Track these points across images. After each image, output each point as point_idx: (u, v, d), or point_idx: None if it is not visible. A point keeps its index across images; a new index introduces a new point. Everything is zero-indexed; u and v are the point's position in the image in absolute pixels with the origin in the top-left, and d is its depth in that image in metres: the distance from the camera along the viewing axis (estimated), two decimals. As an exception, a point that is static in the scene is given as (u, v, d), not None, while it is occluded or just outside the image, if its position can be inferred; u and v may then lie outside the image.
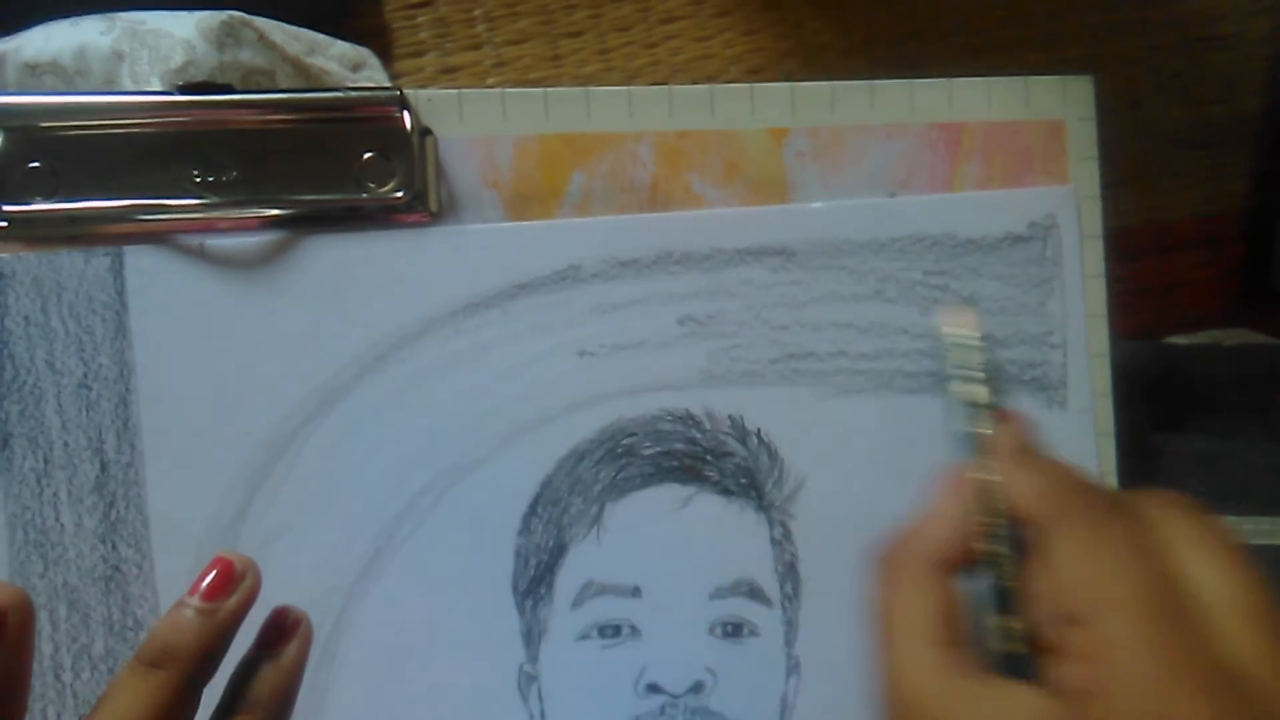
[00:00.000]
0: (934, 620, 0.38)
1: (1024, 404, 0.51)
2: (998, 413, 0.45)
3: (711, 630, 0.50)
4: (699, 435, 0.50)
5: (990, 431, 0.44)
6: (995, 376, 0.48)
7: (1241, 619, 0.34)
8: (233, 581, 0.39)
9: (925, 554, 0.40)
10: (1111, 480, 0.52)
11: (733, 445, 0.50)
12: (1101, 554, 0.36)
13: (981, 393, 0.46)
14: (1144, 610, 0.34)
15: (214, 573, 0.39)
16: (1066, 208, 0.52)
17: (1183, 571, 0.36)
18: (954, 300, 0.51)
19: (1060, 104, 0.52)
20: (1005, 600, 0.41)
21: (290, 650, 0.40)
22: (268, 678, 0.40)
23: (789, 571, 0.50)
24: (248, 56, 0.52)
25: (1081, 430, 0.52)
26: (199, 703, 0.38)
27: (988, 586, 0.42)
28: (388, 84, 0.58)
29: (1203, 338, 0.66)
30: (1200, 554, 0.36)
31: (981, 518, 0.41)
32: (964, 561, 0.41)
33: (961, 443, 0.46)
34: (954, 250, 0.51)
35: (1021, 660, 0.40)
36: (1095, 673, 0.34)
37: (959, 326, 0.48)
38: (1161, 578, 0.35)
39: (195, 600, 0.38)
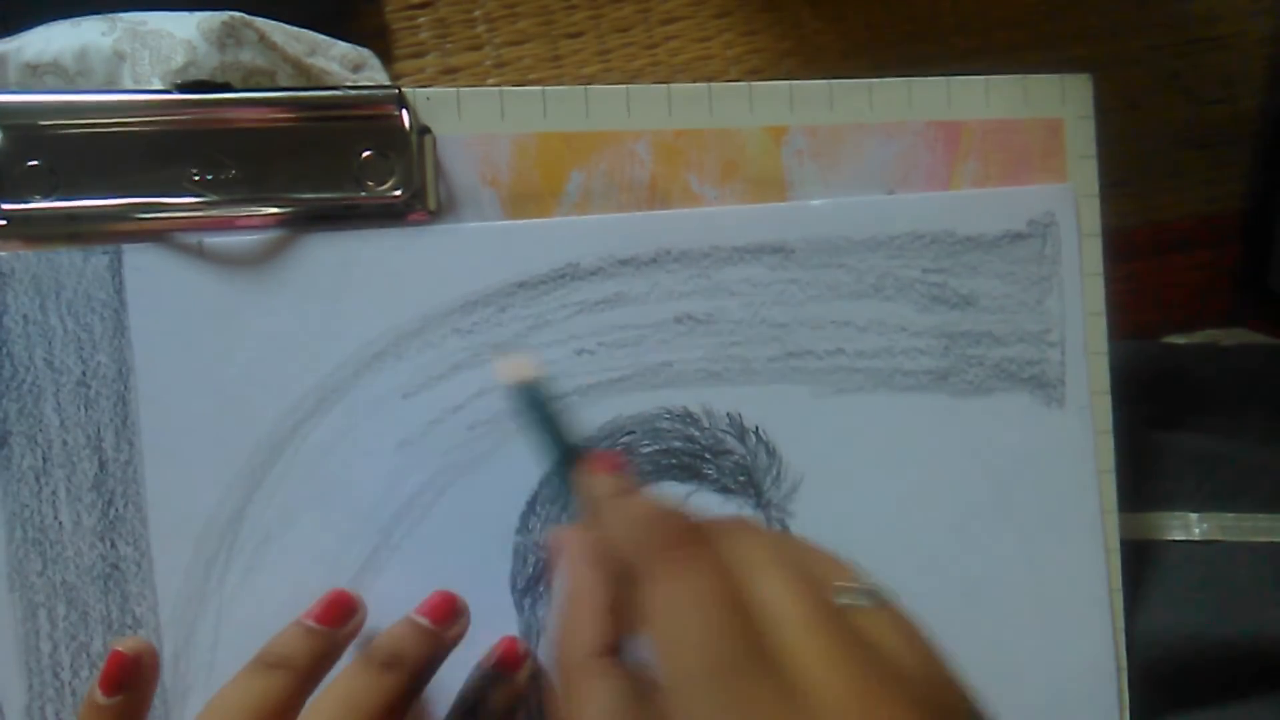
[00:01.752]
0: (621, 709, 0.36)
1: (1022, 401, 0.51)
2: (584, 459, 0.43)
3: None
4: (697, 433, 0.50)
5: (580, 474, 0.42)
6: (565, 415, 0.45)
7: (799, 628, 0.33)
8: (454, 612, 0.46)
9: (587, 646, 0.38)
10: (1110, 478, 0.52)
11: (731, 443, 0.50)
12: (671, 609, 0.34)
13: (563, 438, 0.44)
14: (712, 666, 0.32)
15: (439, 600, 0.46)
16: (1065, 206, 0.52)
17: (754, 593, 0.35)
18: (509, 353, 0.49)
19: (1059, 102, 0.52)
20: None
21: (522, 674, 0.47)
22: (500, 696, 0.46)
23: None
24: (249, 57, 0.52)
25: (1079, 428, 0.52)
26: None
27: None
28: (388, 84, 0.58)
29: (1201, 337, 0.66)
30: (766, 574, 0.35)
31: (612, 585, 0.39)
32: (623, 630, 0.39)
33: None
34: (952, 248, 0.51)
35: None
36: None
37: (517, 372, 0.46)
38: (733, 613, 0.34)
39: (424, 620, 0.45)
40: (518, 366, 0.46)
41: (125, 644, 0.41)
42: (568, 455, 0.43)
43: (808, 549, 0.38)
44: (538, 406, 0.44)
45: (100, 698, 0.40)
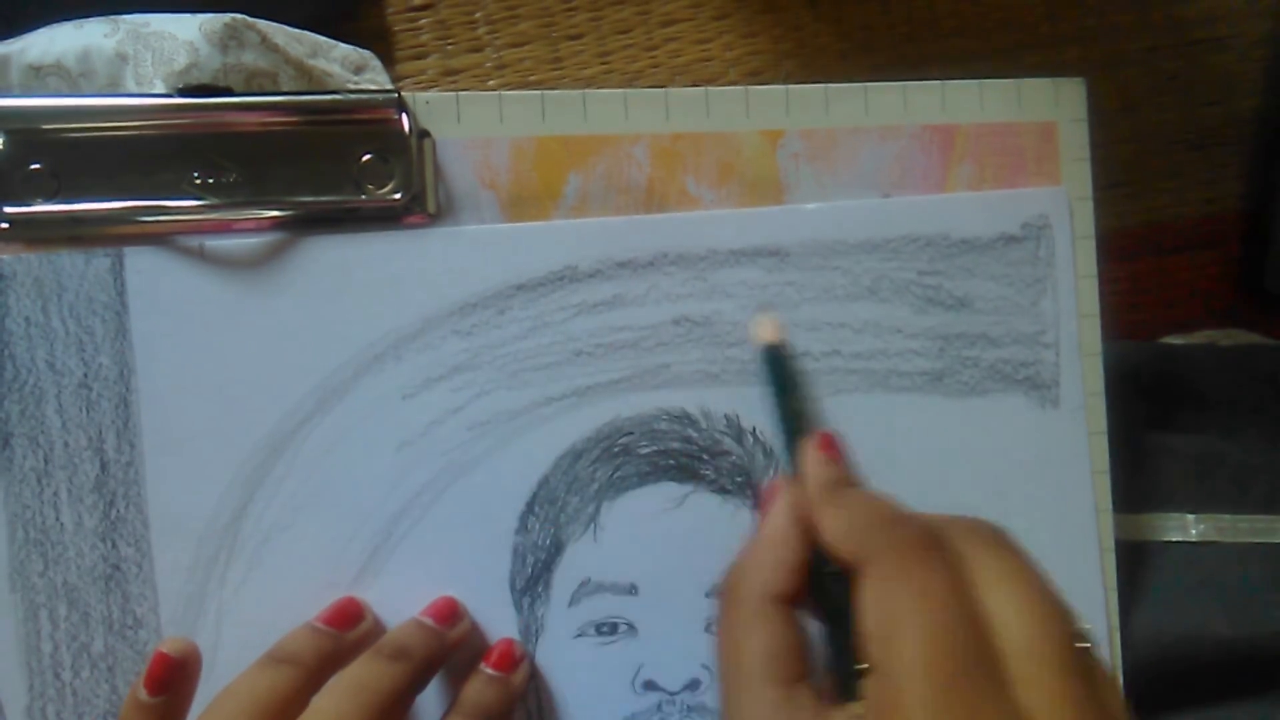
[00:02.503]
0: (771, 658, 0.38)
1: (1017, 403, 0.52)
2: (812, 434, 0.45)
3: (708, 628, 0.50)
4: (695, 434, 0.50)
5: (806, 449, 0.44)
6: (804, 385, 0.48)
7: (1039, 663, 0.33)
8: (456, 615, 0.48)
9: (758, 588, 0.40)
10: (1104, 479, 0.52)
11: (729, 444, 0.50)
12: (899, 602, 0.35)
13: (797, 405, 0.47)
14: (934, 665, 0.33)
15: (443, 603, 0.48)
16: (1059, 208, 0.52)
17: (986, 611, 0.35)
18: (767, 310, 0.50)
19: (1052, 105, 0.52)
20: (839, 629, 0.40)
21: (519, 675, 0.48)
22: (498, 696, 0.47)
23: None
24: (251, 59, 0.52)
25: (1074, 429, 0.52)
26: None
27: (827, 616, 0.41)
28: (389, 86, 0.58)
29: (1199, 338, 0.66)
30: (1003, 593, 0.35)
31: (810, 550, 0.41)
32: (799, 590, 0.40)
33: (789, 459, 0.46)
34: (947, 250, 0.51)
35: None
36: None
37: (772, 334, 0.48)
38: (962, 623, 0.34)
39: (428, 620, 0.47)
40: (773, 328, 0.49)
41: (170, 645, 0.42)
42: (797, 424, 0.46)
43: (1040, 572, 0.38)
44: (781, 370, 0.48)
45: (144, 696, 0.41)
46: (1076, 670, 0.34)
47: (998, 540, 0.38)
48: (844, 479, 0.43)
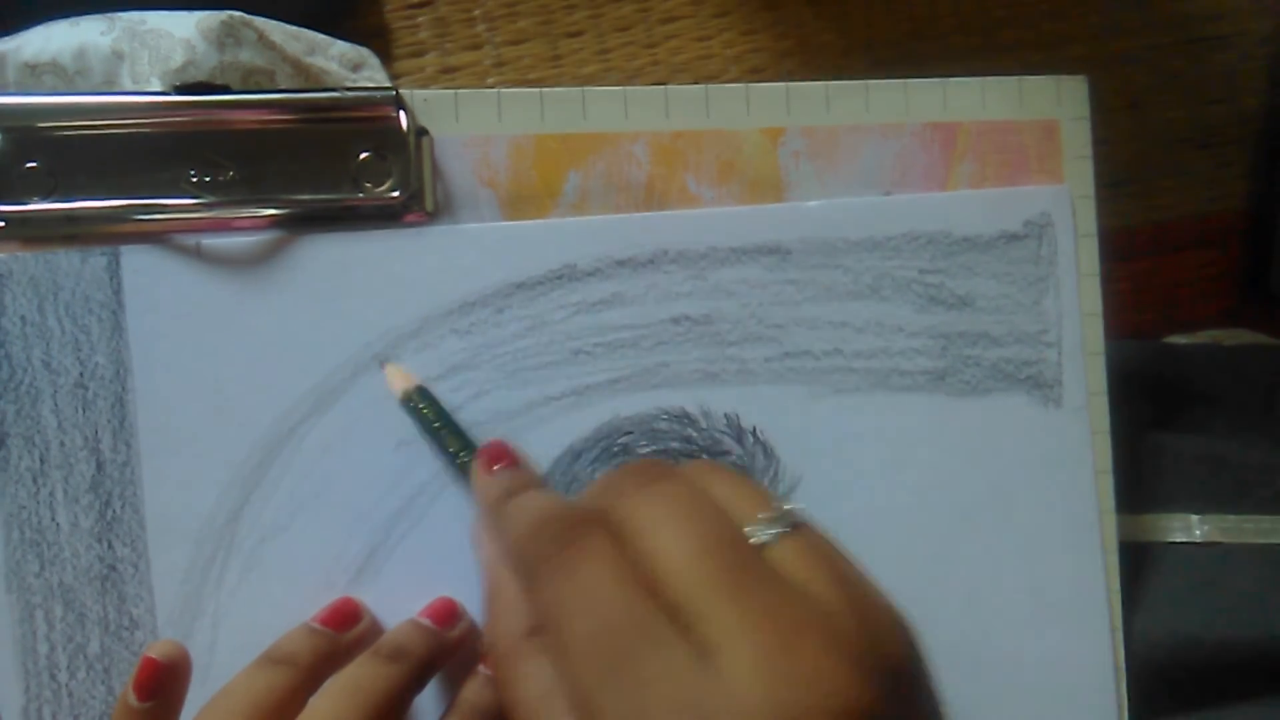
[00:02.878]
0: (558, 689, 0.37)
1: (1019, 402, 0.51)
2: (475, 457, 0.46)
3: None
4: (695, 434, 0.50)
5: (472, 472, 0.45)
6: (451, 418, 0.48)
7: (703, 591, 0.33)
8: (455, 616, 0.47)
9: (513, 631, 0.39)
10: (1107, 479, 0.52)
11: (728, 444, 0.50)
12: (564, 619, 0.34)
13: (461, 438, 0.47)
14: (595, 653, 0.33)
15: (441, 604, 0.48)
16: (1062, 206, 0.52)
17: (655, 564, 0.34)
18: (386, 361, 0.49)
19: (1054, 104, 0.52)
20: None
21: None
22: (491, 694, 0.45)
23: None
24: (248, 57, 0.52)
25: (1076, 428, 0.52)
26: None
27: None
28: (388, 84, 0.58)
29: (1202, 337, 0.66)
30: (664, 535, 0.35)
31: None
32: None
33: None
34: (949, 248, 0.51)
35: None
36: None
37: (404, 382, 0.48)
38: (635, 595, 0.33)
39: (427, 621, 0.46)
40: (401, 376, 0.48)
41: (158, 649, 0.42)
42: (461, 457, 0.46)
43: (720, 482, 0.38)
44: (427, 413, 0.47)
45: (133, 701, 0.41)
46: (744, 573, 0.33)
47: (658, 476, 0.38)
48: (509, 489, 0.43)
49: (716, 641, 0.31)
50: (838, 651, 0.31)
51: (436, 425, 0.47)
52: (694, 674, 0.31)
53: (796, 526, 0.36)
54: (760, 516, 0.36)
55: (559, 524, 0.38)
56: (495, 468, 0.45)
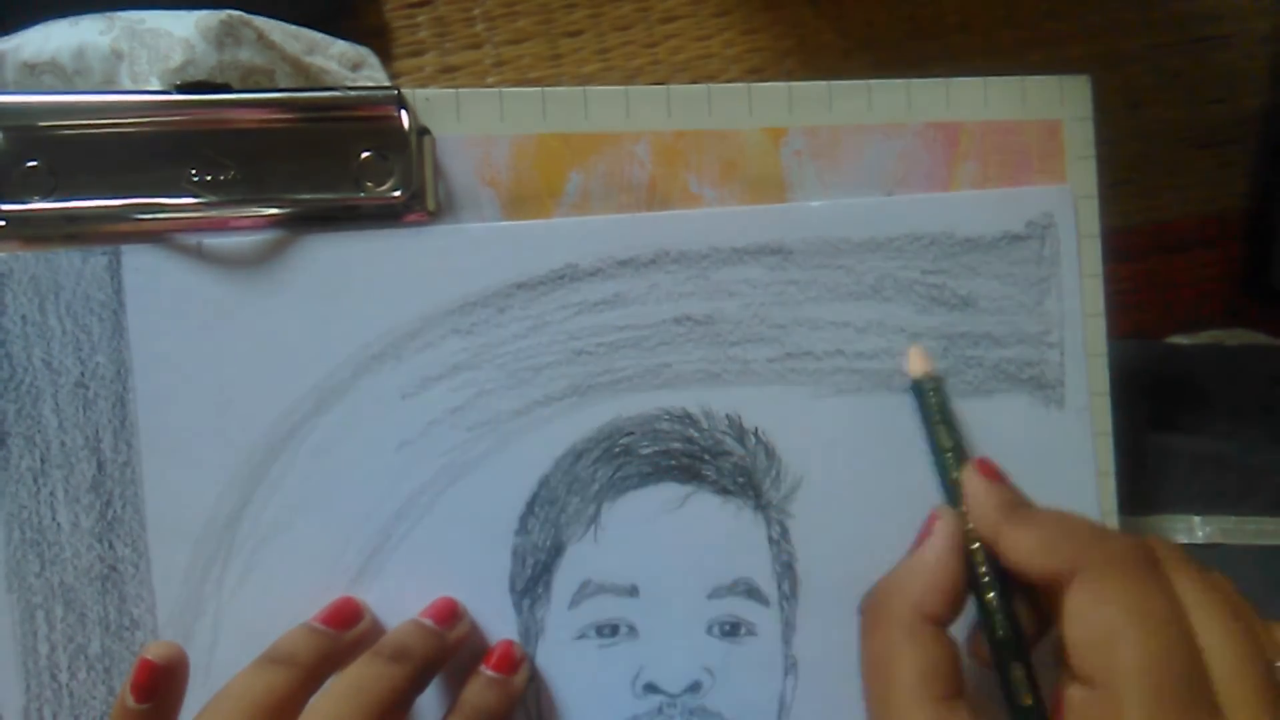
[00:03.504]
0: (928, 675, 0.38)
1: (1021, 403, 0.51)
2: (970, 462, 0.46)
3: (709, 630, 0.50)
4: (696, 434, 0.50)
5: (970, 476, 0.45)
6: (956, 416, 0.49)
7: (1244, 687, 0.34)
8: (456, 616, 0.47)
9: (912, 608, 0.40)
10: (1109, 480, 0.52)
11: (730, 444, 0.50)
12: (1118, 613, 0.35)
13: (954, 437, 0.47)
14: (1156, 682, 0.33)
15: (442, 604, 0.47)
16: (1064, 207, 0.52)
17: (1200, 633, 0.35)
18: (916, 343, 0.50)
19: (1057, 104, 0.52)
20: (1004, 650, 0.41)
21: (519, 677, 0.48)
22: (498, 698, 0.46)
23: (786, 571, 0.50)
24: (247, 56, 0.52)
25: (1078, 429, 0.52)
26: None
27: (990, 636, 0.42)
28: (387, 83, 0.58)
29: (1204, 337, 0.66)
30: (1207, 616, 0.35)
31: (974, 568, 0.42)
32: (953, 612, 0.41)
33: (944, 489, 0.46)
34: (951, 249, 0.51)
35: (1030, 713, 0.40)
36: None
37: (924, 368, 0.49)
38: (1180, 641, 0.34)
39: (428, 621, 0.46)
40: (925, 361, 0.49)
41: (154, 650, 0.42)
42: (955, 454, 0.47)
43: (1237, 596, 0.38)
44: (932, 401, 0.48)
45: (131, 702, 0.41)
46: (1276, 697, 0.34)
47: (1196, 563, 0.39)
48: (1021, 500, 0.43)
49: None
50: None
51: (936, 419, 0.48)
52: None
53: None
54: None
55: (1126, 543, 0.38)
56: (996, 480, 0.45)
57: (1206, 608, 0.36)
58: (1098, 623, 0.35)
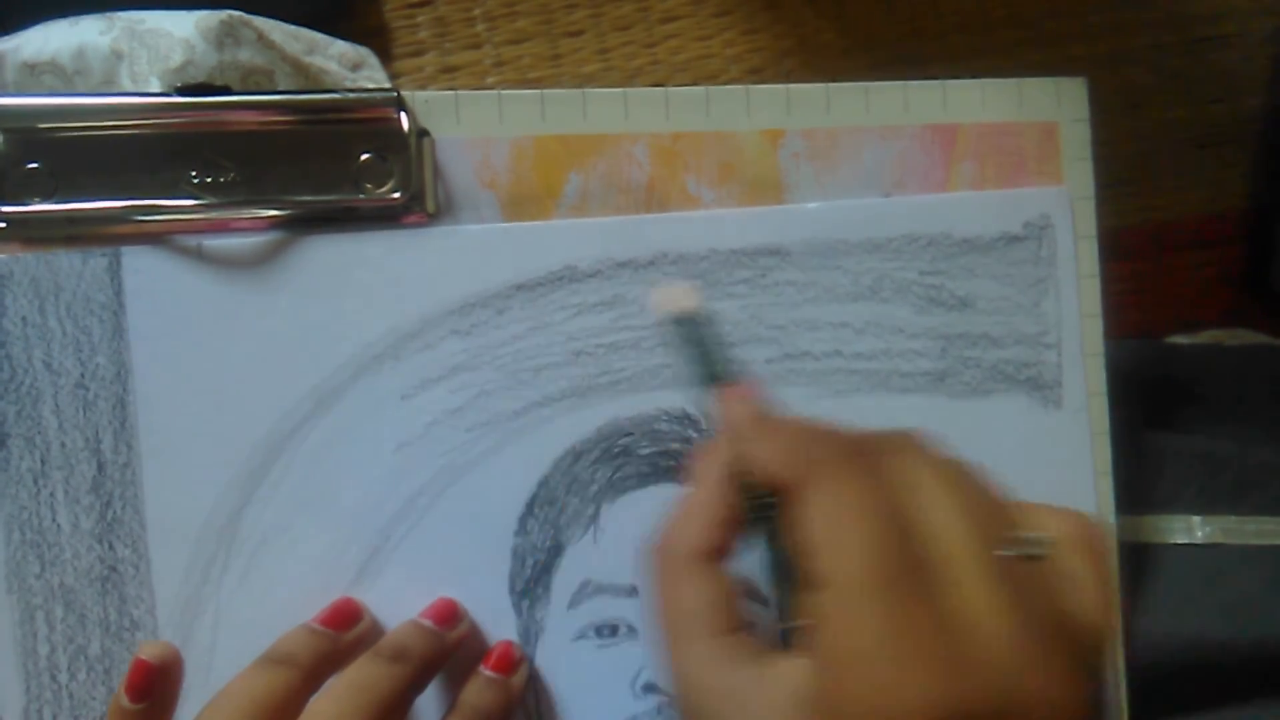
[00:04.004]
0: (708, 610, 0.38)
1: (1019, 403, 0.51)
2: (727, 385, 0.44)
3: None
4: (696, 435, 0.50)
5: (722, 395, 0.44)
6: (719, 348, 0.47)
7: (963, 568, 0.34)
8: (455, 617, 0.47)
9: (688, 545, 0.40)
10: (1106, 480, 0.52)
11: (729, 445, 0.50)
12: (837, 516, 0.35)
13: (709, 367, 0.46)
14: (875, 576, 0.33)
15: (441, 605, 0.48)
16: (1061, 208, 0.52)
17: (920, 519, 0.35)
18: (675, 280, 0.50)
19: (1054, 105, 0.52)
20: (778, 572, 0.40)
21: (518, 677, 0.48)
22: (497, 699, 0.46)
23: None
24: (247, 56, 0.52)
25: (1076, 429, 0.52)
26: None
27: (759, 561, 0.41)
28: (387, 84, 0.58)
29: (1204, 337, 0.66)
30: (928, 499, 0.35)
31: (740, 495, 0.41)
32: (728, 544, 0.40)
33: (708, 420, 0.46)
34: (949, 250, 0.51)
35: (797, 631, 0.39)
36: (837, 641, 0.34)
37: (676, 302, 0.48)
38: (898, 532, 0.34)
39: (428, 622, 0.46)
40: (676, 296, 0.48)
41: (149, 650, 0.42)
42: (714, 381, 0.45)
43: (974, 477, 0.38)
44: (693, 336, 0.47)
45: (126, 703, 0.41)
46: (1001, 573, 0.34)
47: (924, 448, 0.38)
48: (766, 413, 0.42)
49: (968, 620, 0.33)
50: (1083, 673, 0.33)
51: (700, 347, 0.47)
52: (943, 639, 0.33)
53: (1049, 549, 0.36)
54: (1016, 533, 0.36)
55: (836, 441, 0.38)
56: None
57: (929, 490, 0.36)
58: (818, 526, 0.35)
